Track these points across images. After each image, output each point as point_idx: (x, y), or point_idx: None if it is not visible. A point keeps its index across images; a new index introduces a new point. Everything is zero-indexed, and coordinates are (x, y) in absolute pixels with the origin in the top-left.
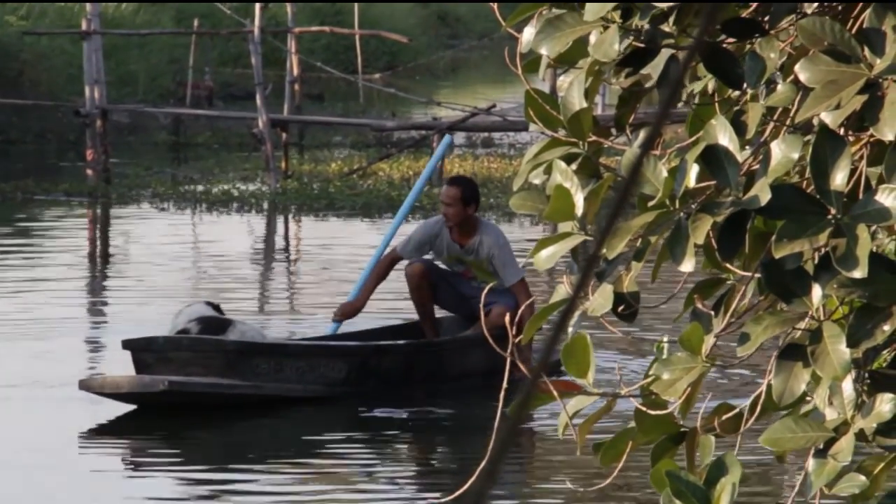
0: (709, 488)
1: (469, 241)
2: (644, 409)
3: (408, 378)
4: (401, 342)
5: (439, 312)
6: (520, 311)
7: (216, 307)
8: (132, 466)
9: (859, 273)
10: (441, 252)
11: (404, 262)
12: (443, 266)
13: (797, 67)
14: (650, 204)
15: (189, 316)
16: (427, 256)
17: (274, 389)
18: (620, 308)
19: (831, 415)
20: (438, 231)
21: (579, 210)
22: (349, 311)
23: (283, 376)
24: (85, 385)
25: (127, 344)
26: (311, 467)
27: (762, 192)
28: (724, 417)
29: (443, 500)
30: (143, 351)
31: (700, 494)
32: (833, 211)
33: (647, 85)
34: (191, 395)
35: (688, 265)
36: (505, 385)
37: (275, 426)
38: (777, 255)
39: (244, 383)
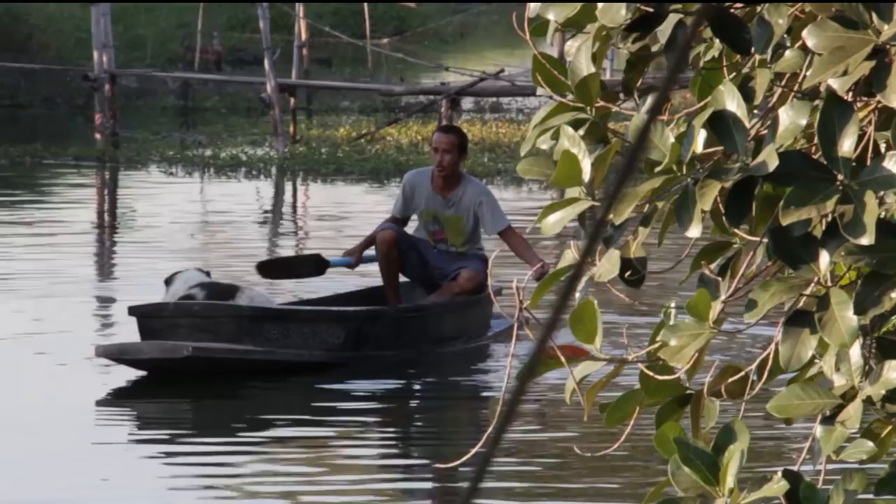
0: (717, 455)
1: (452, 192)
2: (650, 374)
3: (398, 342)
4: (389, 308)
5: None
6: (534, 269)
7: (207, 274)
8: (142, 433)
9: (866, 240)
10: (420, 205)
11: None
12: (416, 228)
13: (804, 33)
14: (657, 170)
15: (187, 282)
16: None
17: (284, 355)
18: (627, 274)
19: (839, 381)
20: (420, 181)
21: (586, 175)
22: (357, 248)
23: (290, 342)
24: (103, 351)
25: (134, 310)
26: (316, 436)
27: (770, 159)
28: (731, 380)
29: (450, 465)
30: (151, 317)
31: (708, 461)
32: (841, 177)
33: (655, 49)
34: (210, 362)
35: (695, 231)
36: (512, 351)
37: (275, 395)
38: (784, 223)
39: (258, 349)
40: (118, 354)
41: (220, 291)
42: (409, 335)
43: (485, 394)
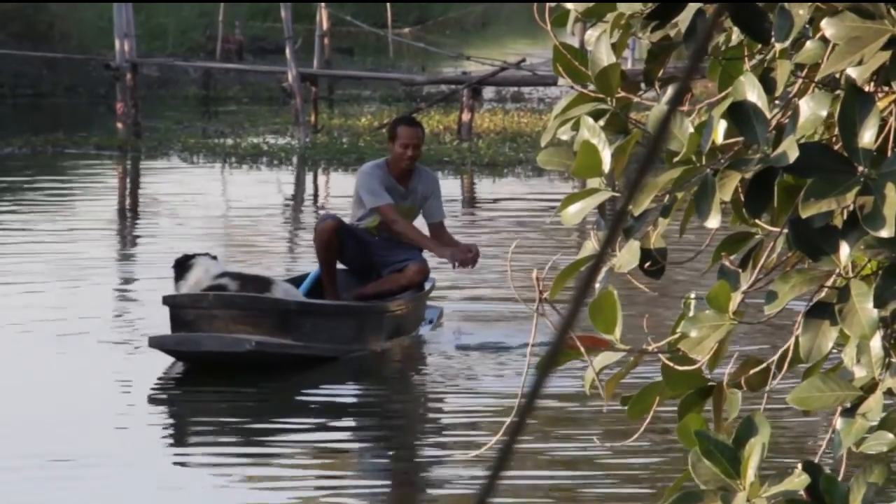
0: (738, 448)
1: (410, 182)
2: (671, 364)
3: (391, 335)
4: (387, 302)
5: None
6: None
7: (214, 258)
8: (171, 421)
9: (886, 232)
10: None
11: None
12: (362, 212)
13: (823, 23)
14: (675, 160)
15: (208, 271)
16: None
17: (319, 350)
18: (647, 264)
19: (859, 373)
20: (379, 173)
21: (607, 166)
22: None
23: (320, 336)
24: (157, 342)
25: (168, 300)
26: (343, 425)
27: (790, 150)
28: (752, 372)
29: (472, 453)
30: (186, 308)
31: (729, 454)
32: (861, 168)
33: (676, 39)
34: (265, 356)
35: (714, 221)
36: (531, 342)
37: (276, 397)
38: (804, 215)
39: (298, 343)
40: (174, 346)
41: (255, 283)
42: (392, 328)
43: (497, 387)
